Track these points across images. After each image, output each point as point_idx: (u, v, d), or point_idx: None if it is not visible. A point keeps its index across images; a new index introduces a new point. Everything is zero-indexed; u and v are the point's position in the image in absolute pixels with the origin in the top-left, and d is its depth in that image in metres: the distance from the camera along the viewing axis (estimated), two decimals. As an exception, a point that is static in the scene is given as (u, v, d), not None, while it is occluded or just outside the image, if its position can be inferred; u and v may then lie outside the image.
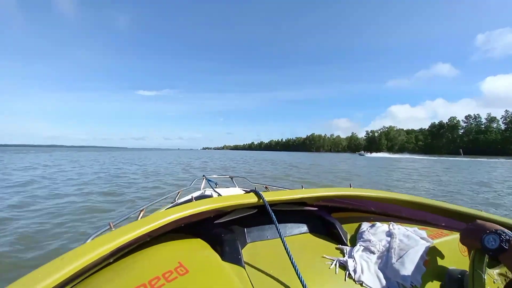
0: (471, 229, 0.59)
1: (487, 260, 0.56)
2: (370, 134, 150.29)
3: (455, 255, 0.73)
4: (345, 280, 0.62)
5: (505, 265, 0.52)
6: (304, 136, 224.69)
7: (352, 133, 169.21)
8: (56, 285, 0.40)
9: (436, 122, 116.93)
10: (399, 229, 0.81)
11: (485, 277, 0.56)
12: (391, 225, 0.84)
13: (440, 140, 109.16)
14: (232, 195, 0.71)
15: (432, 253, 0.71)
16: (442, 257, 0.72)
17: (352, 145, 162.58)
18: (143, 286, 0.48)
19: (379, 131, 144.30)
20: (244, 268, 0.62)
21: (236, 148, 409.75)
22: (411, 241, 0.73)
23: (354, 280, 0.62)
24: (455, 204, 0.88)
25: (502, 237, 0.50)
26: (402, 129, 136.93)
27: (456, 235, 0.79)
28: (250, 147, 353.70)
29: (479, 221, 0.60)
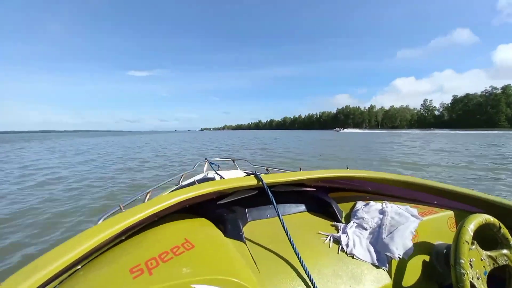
0: None
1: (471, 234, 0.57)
2: (462, 98, 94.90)
3: (444, 230, 0.75)
4: (337, 253, 0.65)
5: None
6: (332, 111, 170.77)
7: (425, 100, 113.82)
8: (75, 260, 0.44)
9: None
10: (391, 207, 0.82)
11: (473, 247, 0.59)
12: (384, 203, 0.85)
13: None
14: (233, 178, 0.72)
15: (421, 229, 0.72)
16: (431, 232, 0.73)
17: (430, 118, 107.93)
18: (154, 259, 0.51)
19: (484, 94, 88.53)
20: (245, 244, 0.65)
21: (239, 127, 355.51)
22: (402, 218, 0.75)
23: (346, 253, 0.65)
24: (447, 184, 0.89)
25: None
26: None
27: (446, 212, 0.81)
28: (257, 126, 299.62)
29: None
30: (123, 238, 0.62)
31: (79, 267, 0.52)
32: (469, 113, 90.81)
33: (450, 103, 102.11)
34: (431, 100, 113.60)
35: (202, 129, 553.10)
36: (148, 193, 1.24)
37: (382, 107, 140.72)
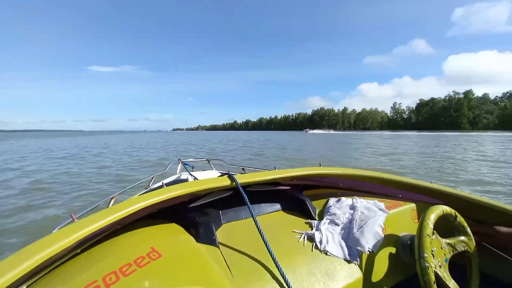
0: None
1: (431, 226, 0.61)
2: (428, 102, 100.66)
3: (408, 222, 0.80)
4: (312, 251, 0.65)
5: None
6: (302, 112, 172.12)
7: (394, 103, 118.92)
8: (15, 281, 0.38)
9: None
10: (361, 202, 0.86)
11: (434, 237, 0.62)
12: (354, 199, 0.88)
13: None
14: (206, 179, 0.69)
15: (388, 222, 0.76)
16: (397, 225, 0.77)
17: (399, 120, 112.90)
18: (113, 274, 0.46)
19: (447, 98, 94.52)
20: (219, 248, 0.62)
21: (214, 128, 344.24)
22: (371, 213, 0.78)
23: (320, 250, 0.66)
24: (410, 178, 0.95)
25: None
26: (486, 96, 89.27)
27: (410, 205, 0.87)
28: (233, 126, 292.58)
29: None
30: (78, 251, 0.55)
31: (24, 287, 0.46)
32: (434, 116, 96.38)
33: (415, 107, 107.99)
34: (400, 103, 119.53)
35: (174, 129, 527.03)
36: (112, 198, 1.13)
37: (354, 109, 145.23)
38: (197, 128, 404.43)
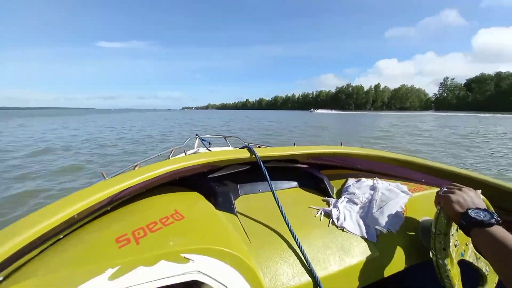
0: (458, 199, 0.53)
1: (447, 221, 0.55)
2: (490, 77, 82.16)
3: (431, 207, 0.74)
4: (328, 226, 0.65)
5: (476, 241, 0.49)
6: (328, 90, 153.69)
7: (445, 78, 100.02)
8: (52, 229, 0.41)
9: None
10: (382, 183, 0.83)
11: (453, 236, 0.57)
12: (375, 180, 0.86)
13: None
14: (226, 150, 0.71)
15: (410, 205, 0.73)
16: (419, 208, 0.74)
17: (450, 99, 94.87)
18: (141, 229, 0.49)
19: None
20: (237, 216, 0.64)
21: (225, 107, 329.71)
22: (392, 194, 0.76)
23: (336, 226, 0.65)
24: (435, 162, 0.89)
25: (494, 216, 0.47)
26: None
27: (435, 190, 0.79)
28: (245, 105, 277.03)
29: (471, 193, 0.55)
30: (109, 208, 0.60)
31: (61, 236, 0.49)
32: (500, 94, 78.87)
33: (463, 84, 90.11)
34: (453, 79, 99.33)
35: (183, 108, 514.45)
36: (136, 165, 1.17)
37: (386, 86, 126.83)
38: (207, 107, 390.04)
